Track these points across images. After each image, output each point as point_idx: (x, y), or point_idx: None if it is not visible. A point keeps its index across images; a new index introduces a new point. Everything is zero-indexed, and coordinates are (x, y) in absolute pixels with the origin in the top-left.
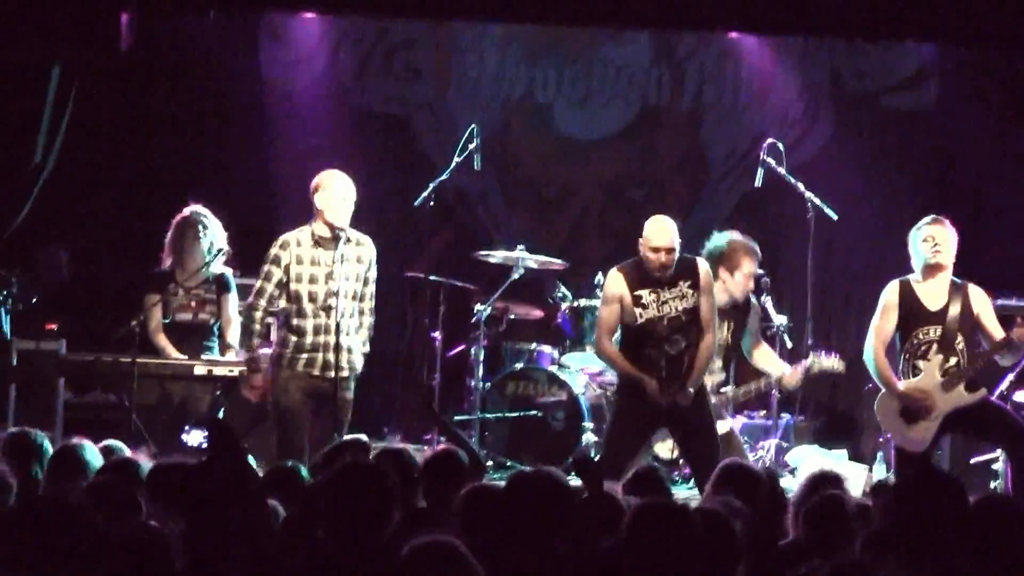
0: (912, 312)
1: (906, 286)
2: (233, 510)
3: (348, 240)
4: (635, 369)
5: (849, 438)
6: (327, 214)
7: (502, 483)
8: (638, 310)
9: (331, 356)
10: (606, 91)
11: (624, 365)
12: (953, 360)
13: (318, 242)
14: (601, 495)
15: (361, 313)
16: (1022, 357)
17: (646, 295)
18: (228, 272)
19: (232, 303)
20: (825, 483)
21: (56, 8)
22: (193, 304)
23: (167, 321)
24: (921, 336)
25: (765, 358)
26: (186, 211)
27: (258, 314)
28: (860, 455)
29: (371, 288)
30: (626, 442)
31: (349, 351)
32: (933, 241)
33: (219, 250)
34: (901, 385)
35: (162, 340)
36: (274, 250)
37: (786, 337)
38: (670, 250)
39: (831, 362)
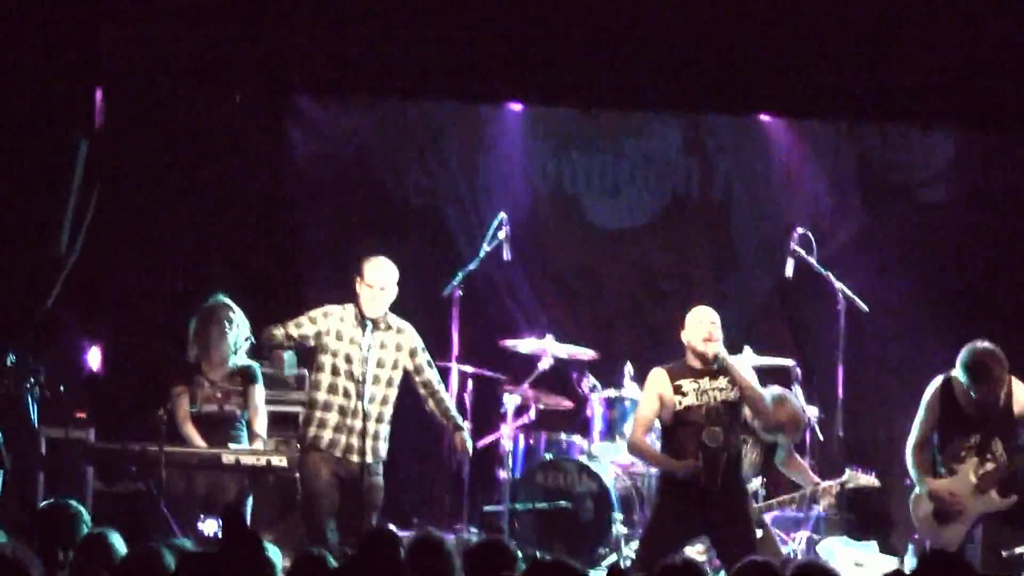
0: (951, 416)
1: (947, 388)
2: None
3: (387, 327)
4: (666, 457)
5: (881, 531)
6: (361, 301)
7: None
8: (678, 397)
9: (355, 440)
10: (635, 181)
11: (655, 454)
12: (990, 464)
13: (360, 323)
14: None
15: (434, 393)
16: None
17: (687, 384)
18: (255, 364)
19: (259, 394)
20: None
21: (28, 86)
22: (219, 395)
23: (194, 411)
24: (957, 440)
25: (798, 471)
26: (211, 303)
27: (277, 331)
28: (892, 548)
29: (432, 370)
30: (664, 542)
31: (375, 437)
32: (991, 386)
33: (245, 339)
34: (934, 484)
35: (190, 430)
36: (316, 312)
37: (817, 429)
38: (713, 339)
39: (867, 479)
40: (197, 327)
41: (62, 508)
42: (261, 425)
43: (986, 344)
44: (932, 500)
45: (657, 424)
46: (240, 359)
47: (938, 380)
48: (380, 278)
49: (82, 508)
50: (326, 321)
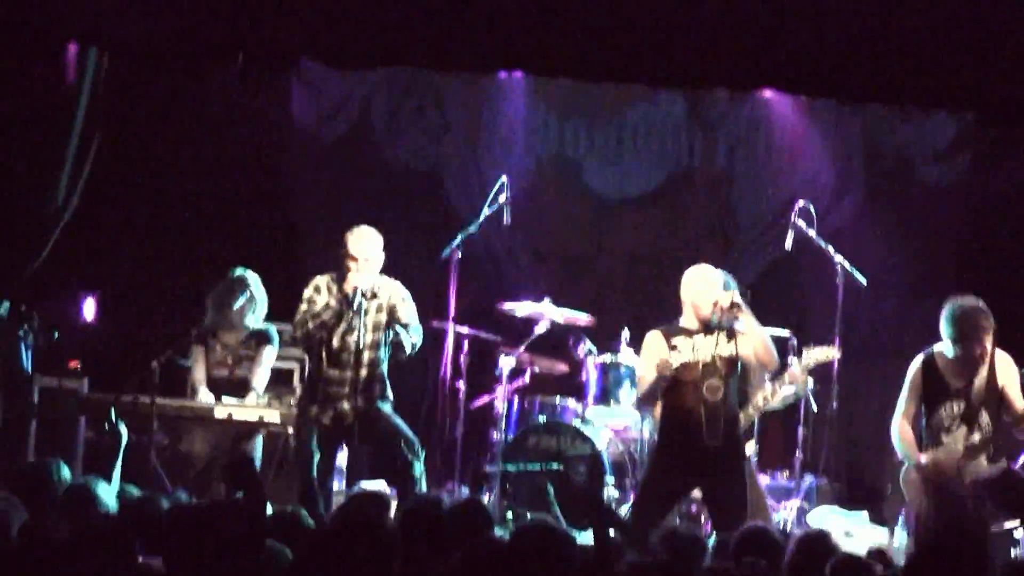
0: (936, 390)
1: (930, 363)
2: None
3: (373, 295)
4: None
5: (871, 502)
6: (348, 273)
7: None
8: (675, 354)
9: (345, 405)
10: (638, 151)
11: (650, 399)
12: (976, 435)
13: (343, 295)
14: (607, 547)
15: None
16: None
17: (682, 342)
18: (271, 327)
19: (268, 354)
20: (816, 543)
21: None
22: (230, 361)
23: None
24: (943, 412)
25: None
26: (236, 273)
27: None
28: (882, 519)
29: (406, 309)
30: (659, 496)
31: (367, 387)
32: (978, 339)
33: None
34: (923, 458)
35: (205, 393)
36: (308, 292)
37: (812, 401)
38: (712, 295)
39: (824, 352)
40: (219, 291)
41: (44, 465)
42: (259, 381)
43: (970, 297)
44: (920, 472)
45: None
46: (257, 323)
47: (921, 356)
48: (363, 249)
49: (64, 466)
50: (319, 296)
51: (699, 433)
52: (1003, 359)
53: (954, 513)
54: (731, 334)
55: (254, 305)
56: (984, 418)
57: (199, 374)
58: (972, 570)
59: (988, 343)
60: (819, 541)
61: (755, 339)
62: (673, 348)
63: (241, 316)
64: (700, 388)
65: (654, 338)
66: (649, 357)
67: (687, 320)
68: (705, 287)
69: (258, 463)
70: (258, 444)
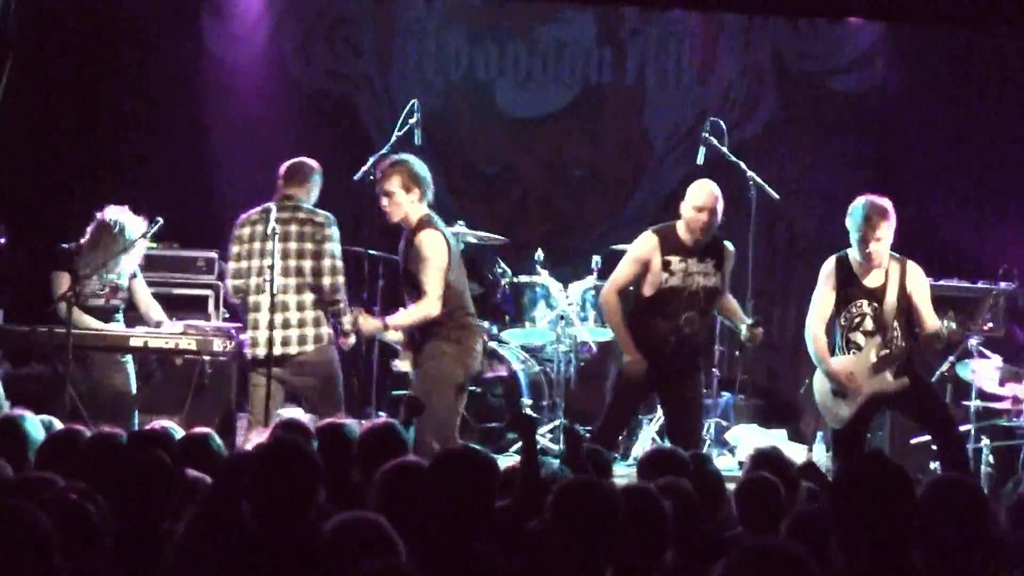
0: (849, 286)
1: (843, 261)
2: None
3: (286, 219)
4: (629, 341)
5: (788, 419)
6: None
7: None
8: (665, 275)
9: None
10: (548, 70)
11: (621, 327)
12: (888, 350)
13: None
14: (535, 454)
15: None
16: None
17: (676, 262)
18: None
19: (142, 285)
20: (766, 462)
21: None
22: (107, 291)
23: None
24: (855, 309)
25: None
26: (103, 217)
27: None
28: (800, 435)
29: (326, 262)
30: (626, 402)
31: (299, 325)
32: (874, 231)
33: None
34: (833, 363)
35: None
36: (238, 235)
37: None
38: (712, 212)
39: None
40: (90, 238)
41: None
42: (158, 312)
43: (875, 196)
44: (831, 379)
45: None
46: (128, 264)
47: (832, 258)
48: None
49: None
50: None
51: (666, 355)
52: (914, 269)
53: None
54: (719, 265)
55: (128, 243)
56: (896, 331)
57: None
58: (897, 485)
59: (884, 234)
60: (773, 458)
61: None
62: (667, 266)
63: (115, 256)
64: (678, 318)
65: (649, 242)
66: (637, 260)
67: (684, 232)
68: (698, 212)
69: (133, 387)
70: (130, 369)
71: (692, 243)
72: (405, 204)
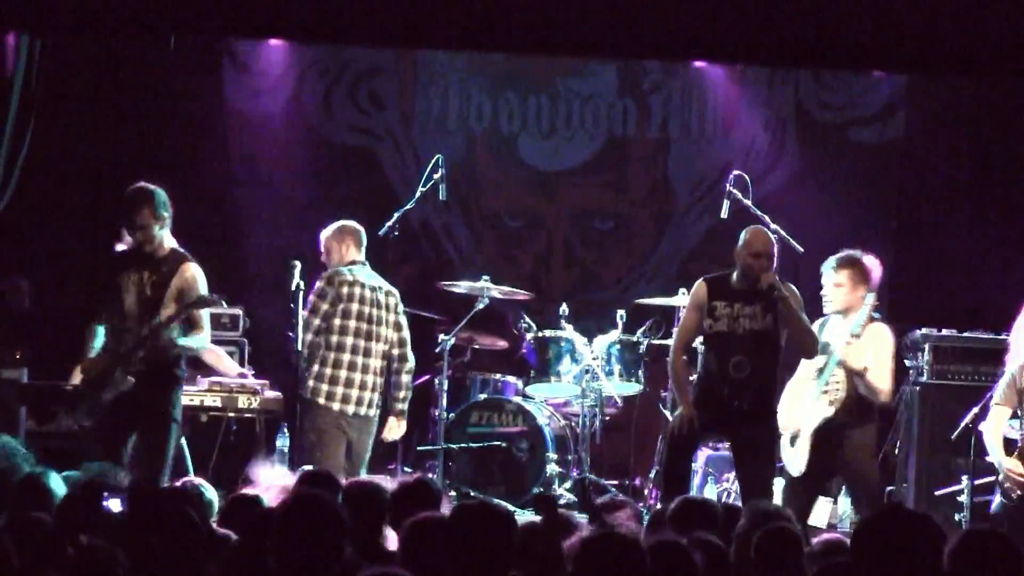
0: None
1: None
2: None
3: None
4: (685, 393)
5: None
6: None
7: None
8: (709, 321)
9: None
10: (572, 123)
11: (681, 383)
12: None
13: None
14: (557, 529)
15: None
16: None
17: (721, 307)
18: None
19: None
20: (769, 518)
21: None
22: None
23: None
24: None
25: None
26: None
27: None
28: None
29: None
30: (676, 453)
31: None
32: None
33: None
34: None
35: None
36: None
37: None
38: (770, 257)
39: None
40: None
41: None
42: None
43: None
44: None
45: None
46: None
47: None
48: None
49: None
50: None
51: (721, 401)
52: (881, 330)
53: None
54: (770, 307)
55: None
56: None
57: None
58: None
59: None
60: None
61: (792, 326)
62: (712, 312)
63: None
64: (727, 363)
65: (699, 290)
66: (691, 308)
67: (738, 277)
68: (750, 256)
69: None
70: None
71: (740, 287)
72: None
